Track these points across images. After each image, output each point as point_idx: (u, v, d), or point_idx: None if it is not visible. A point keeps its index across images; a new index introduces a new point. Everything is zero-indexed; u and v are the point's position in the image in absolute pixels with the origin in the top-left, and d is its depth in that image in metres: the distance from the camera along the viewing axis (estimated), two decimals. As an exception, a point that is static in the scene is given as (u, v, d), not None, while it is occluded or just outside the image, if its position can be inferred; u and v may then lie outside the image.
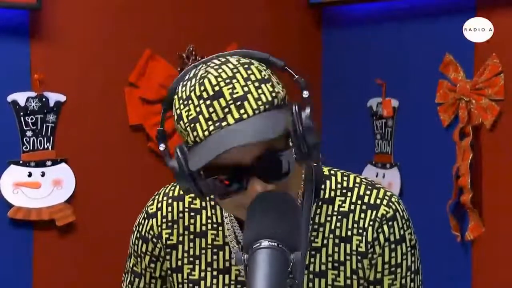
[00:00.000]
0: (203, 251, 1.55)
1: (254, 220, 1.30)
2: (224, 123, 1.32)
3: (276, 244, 1.26)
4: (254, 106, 1.33)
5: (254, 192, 1.35)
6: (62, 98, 3.17)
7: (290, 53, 3.59)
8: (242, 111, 1.33)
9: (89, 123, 3.24)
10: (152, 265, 1.59)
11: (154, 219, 1.58)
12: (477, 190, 3.02)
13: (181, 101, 1.39)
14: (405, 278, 1.52)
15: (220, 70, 1.36)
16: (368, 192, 1.52)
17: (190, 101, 1.36)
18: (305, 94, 1.37)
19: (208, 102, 1.34)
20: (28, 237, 3.14)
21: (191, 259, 1.56)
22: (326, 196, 1.52)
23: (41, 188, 3.12)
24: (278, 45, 3.57)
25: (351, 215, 1.50)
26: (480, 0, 3.03)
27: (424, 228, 3.16)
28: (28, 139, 3.10)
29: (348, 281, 1.50)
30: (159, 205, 1.58)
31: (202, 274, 1.55)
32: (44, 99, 3.12)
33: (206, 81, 1.35)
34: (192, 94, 1.36)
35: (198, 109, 1.35)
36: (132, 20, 3.31)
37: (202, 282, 1.55)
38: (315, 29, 3.71)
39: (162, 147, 1.44)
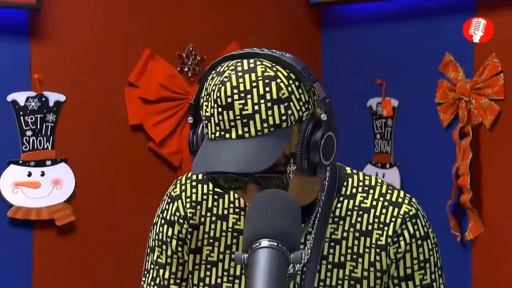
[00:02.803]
0: (223, 234, 1.57)
1: (254, 219, 1.31)
2: (227, 135, 1.40)
3: (276, 244, 1.27)
4: (258, 128, 1.39)
5: (250, 198, 1.42)
6: (62, 98, 3.17)
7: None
8: (246, 129, 1.39)
9: (89, 123, 3.24)
10: (180, 249, 1.59)
11: (179, 200, 1.59)
12: (477, 190, 3.02)
13: (205, 92, 1.44)
14: (434, 273, 1.58)
15: (240, 80, 1.40)
16: (390, 191, 1.58)
17: (209, 98, 1.42)
18: (324, 116, 1.42)
19: (220, 109, 1.40)
20: (28, 237, 3.14)
21: (211, 240, 1.57)
22: (348, 192, 1.57)
23: (41, 187, 3.12)
24: (278, 45, 3.54)
25: (372, 210, 1.55)
26: (480, 0, 3.03)
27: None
28: (28, 139, 3.10)
29: (365, 273, 1.54)
30: (183, 187, 1.60)
31: (221, 256, 1.57)
32: (44, 99, 3.12)
33: (223, 88, 1.40)
34: (212, 93, 1.41)
35: (212, 110, 1.41)
36: (132, 20, 3.31)
37: (220, 264, 1.57)
38: (315, 29, 3.71)
39: (190, 120, 1.51)
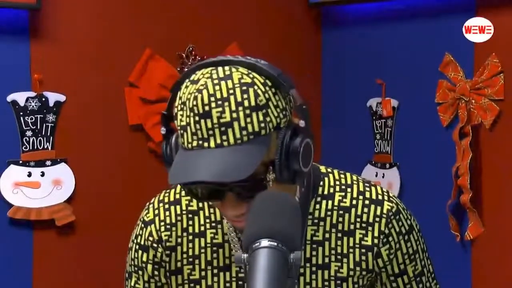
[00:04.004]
0: (203, 251, 1.56)
1: (254, 219, 1.31)
2: (205, 144, 1.37)
3: (276, 244, 1.26)
4: (237, 136, 1.36)
5: (228, 208, 1.42)
6: (62, 98, 3.17)
7: (290, 53, 3.59)
8: (224, 137, 1.36)
9: (89, 123, 3.24)
10: (156, 273, 1.59)
11: (152, 225, 1.59)
12: (477, 190, 3.02)
13: (179, 101, 1.41)
14: (423, 260, 1.61)
15: (217, 88, 1.37)
16: (367, 189, 1.58)
17: (184, 107, 1.39)
18: (302, 123, 1.40)
19: (196, 118, 1.37)
20: (28, 237, 3.14)
21: (190, 259, 1.57)
22: (325, 192, 1.57)
23: (41, 188, 3.12)
24: (278, 45, 3.57)
25: (353, 210, 1.56)
26: (480, 0, 3.03)
27: (423, 228, 3.15)
28: (28, 139, 3.11)
29: (351, 272, 1.55)
30: (156, 211, 1.60)
31: (203, 273, 1.56)
32: (43, 99, 3.13)
33: (199, 97, 1.37)
34: (187, 102, 1.39)
35: (188, 120, 1.38)
36: (132, 20, 3.31)
37: (203, 281, 1.56)
38: (315, 29, 3.71)
39: (163, 130, 1.49)
